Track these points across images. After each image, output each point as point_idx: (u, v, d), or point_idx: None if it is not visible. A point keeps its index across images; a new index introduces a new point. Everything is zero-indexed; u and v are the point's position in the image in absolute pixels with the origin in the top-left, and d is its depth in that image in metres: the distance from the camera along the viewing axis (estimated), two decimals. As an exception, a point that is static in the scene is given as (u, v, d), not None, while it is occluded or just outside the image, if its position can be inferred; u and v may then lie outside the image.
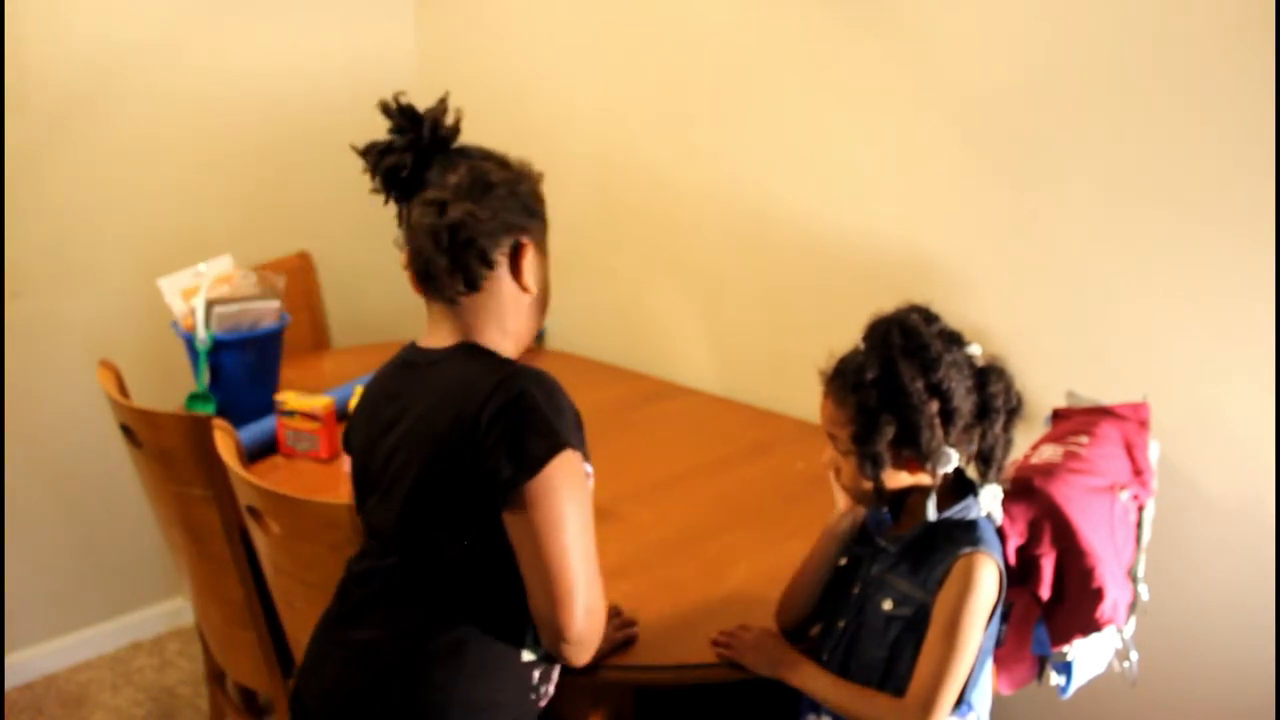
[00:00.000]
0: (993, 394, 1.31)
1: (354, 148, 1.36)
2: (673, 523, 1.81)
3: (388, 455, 1.32)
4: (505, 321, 1.36)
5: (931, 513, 1.34)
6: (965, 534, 1.33)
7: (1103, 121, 1.80)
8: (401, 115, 1.33)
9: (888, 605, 1.37)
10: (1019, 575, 1.46)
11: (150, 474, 2.06)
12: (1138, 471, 1.56)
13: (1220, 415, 1.76)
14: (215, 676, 2.38)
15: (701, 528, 1.80)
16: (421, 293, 1.36)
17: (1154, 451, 1.60)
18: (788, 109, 2.26)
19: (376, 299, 2.94)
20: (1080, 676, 1.54)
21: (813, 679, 1.40)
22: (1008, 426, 1.33)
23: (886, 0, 2.04)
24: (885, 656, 1.37)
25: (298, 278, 2.82)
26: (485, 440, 1.22)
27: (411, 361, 1.36)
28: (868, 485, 1.34)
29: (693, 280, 2.56)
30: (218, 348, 2.21)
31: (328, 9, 2.88)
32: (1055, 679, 1.55)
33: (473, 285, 1.31)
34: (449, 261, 1.29)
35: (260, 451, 2.12)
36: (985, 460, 1.34)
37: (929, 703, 1.30)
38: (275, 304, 2.29)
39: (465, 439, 1.23)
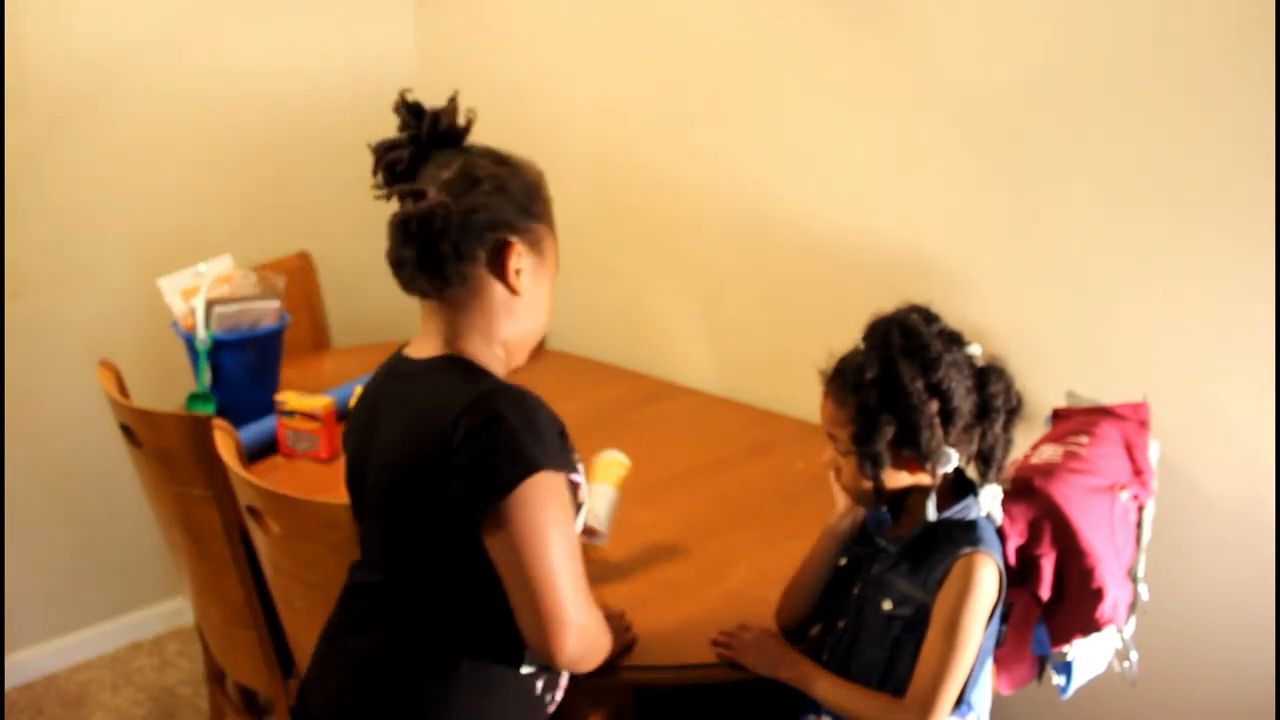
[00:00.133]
0: (993, 394, 1.31)
1: (369, 145, 1.34)
2: (673, 523, 1.81)
3: (372, 470, 1.31)
4: (492, 327, 1.30)
5: (931, 513, 1.34)
6: (965, 534, 1.33)
7: (1103, 121, 1.80)
8: (407, 111, 1.31)
9: (888, 605, 1.37)
10: (1019, 575, 1.46)
11: (150, 474, 2.06)
12: (1138, 471, 1.56)
13: (1220, 415, 1.76)
14: (215, 676, 2.38)
15: (701, 528, 1.80)
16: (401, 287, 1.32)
17: (1154, 451, 1.60)
18: (788, 109, 2.26)
19: (376, 299, 2.92)
20: (1080, 676, 1.54)
21: (813, 679, 1.40)
22: (1008, 426, 1.33)
23: (886, 0, 2.04)
24: (885, 656, 1.37)
25: (298, 278, 2.82)
26: (455, 463, 1.18)
27: (394, 372, 1.34)
28: (868, 485, 1.34)
29: (693, 280, 2.56)
30: (218, 348, 2.21)
31: (328, 9, 2.88)
32: (1055, 679, 1.55)
33: (443, 280, 1.25)
34: (414, 253, 1.24)
35: (260, 451, 2.12)
36: (985, 460, 1.34)
37: (929, 702, 1.30)
38: (275, 304, 2.29)
39: (436, 462, 1.20)
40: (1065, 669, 1.53)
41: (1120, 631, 1.54)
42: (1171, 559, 1.75)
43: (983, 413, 1.32)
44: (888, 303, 1.37)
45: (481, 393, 1.21)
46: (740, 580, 1.65)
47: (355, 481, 1.35)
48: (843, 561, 1.46)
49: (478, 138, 1.34)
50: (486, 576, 1.21)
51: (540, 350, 1.38)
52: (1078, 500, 1.46)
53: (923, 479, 1.34)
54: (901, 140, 2.08)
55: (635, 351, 2.69)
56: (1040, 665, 1.55)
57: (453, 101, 1.31)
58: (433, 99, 1.35)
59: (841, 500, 1.46)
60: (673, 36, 2.44)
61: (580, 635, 1.20)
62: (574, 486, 1.29)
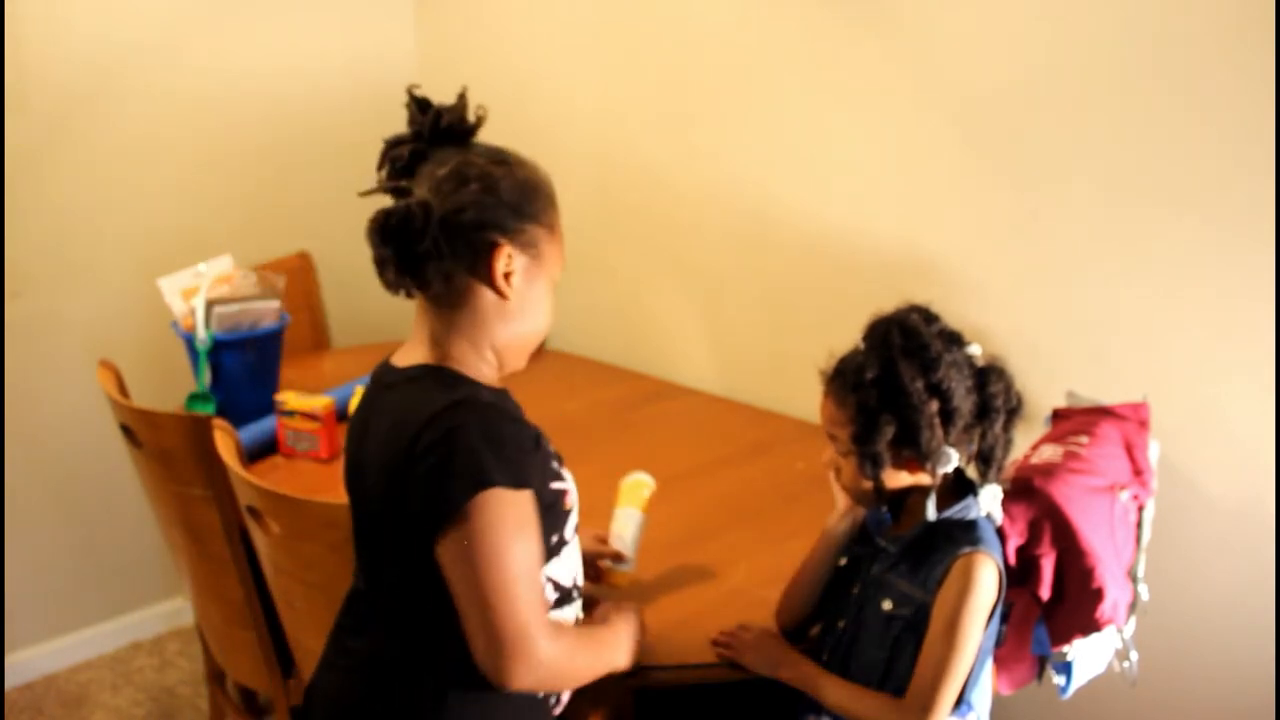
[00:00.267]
0: (993, 394, 1.31)
1: (384, 140, 1.32)
2: (673, 523, 1.81)
3: (357, 481, 1.31)
4: (480, 331, 1.26)
5: (931, 513, 1.34)
6: (965, 534, 1.33)
7: (1102, 121, 1.80)
8: (414, 106, 1.29)
9: (887, 605, 1.37)
10: (1019, 575, 1.46)
11: (150, 474, 2.06)
12: (1138, 471, 1.56)
13: (1220, 415, 1.76)
14: (215, 676, 2.37)
15: (701, 528, 1.80)
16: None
17: (1154, 451, 1.60)
18: (788, 109, 2.26)
19: (376, 299, 2.91)
20: (1080, 676, 1.54)
21: (813, 679, 1.40)
22: (1008, 426, 1.33)
23: (886, 0, 2.04)
24: (885, 656, 1.37)
25: (298, 278, 2.82)
26: (413, 477, 1.17)
27: (380, 381, 1.32)
28: (868, 485, 1.34)
29: (693, 280, 2.56)
30: (218, 348, 2.21)
31: (328, 9, 2.88)
32: (1055, 679, 1.55)
33: (425, 281, 1.23)
34: (393, 253, 1.21)
35: (260, 451, 2.12)
36: (985, 460, 1.34)
37: (929, 702, 1.30)
38: (275, 304, 2.29)
39: (400, 476, 1.18)
40: (1065, 669, 1.53)
41: (1120, 631, 1.54)
42: (1171, 559, 1.75)
43: (983, 413, 1.32)
44: (888, 303, 1.37)
45: (444, 405, 1.18)
46: (740, 580, 1.65)
47: (351, 489, 1.35)
48: (843, 561, 1.46)
49: (479, 136, 1.33)
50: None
51: (540, 350, 1.37)
52: (1078, 500, 1.46)
53: (923, 479, 1.34)
54: (901, 140, 2.08)
55: (635, 351, 2.69)
56: (1040, 665, 1.55)
57: (461, 99, 1.29)
58: (433, 99, 1.35)
59: (841, 500, 1.46)
60: (673, 36, 2.44)
61: (534, 663, 1.16)
62: (559, 494, 1.28)
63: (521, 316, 1.28)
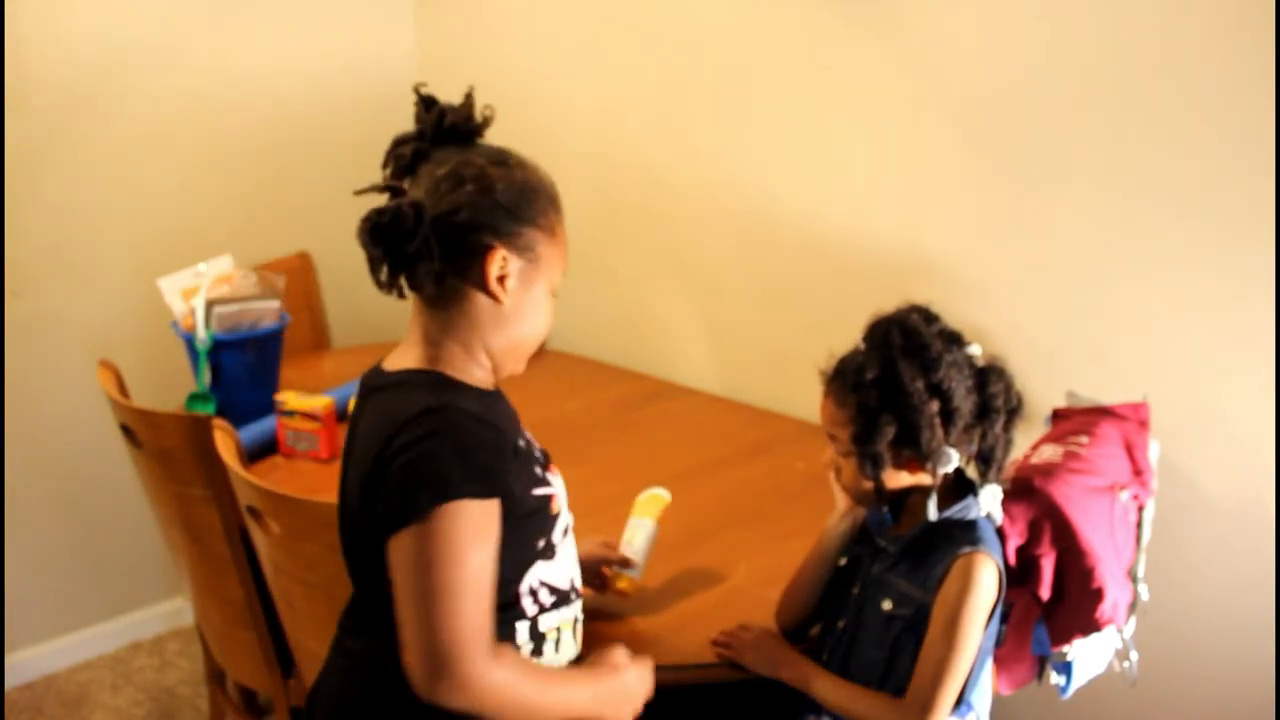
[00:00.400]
0: (993, 394, 1.31)
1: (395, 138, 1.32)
2: (673, 522, 1.81)
3: (342, 485, 1.30)
4: (473, 335, 1.25)
5: (932, 513, 1.34)
6: (965, 534, 1.34)
7: (1103, 121, 1.80)
8: (421, 105, 1.28)
9: (887, 605, 1.37)
10: (1019, 575, 1.46)
11: (150, 474, 2.06)
12: (1138, 471, 1.56)
13: (1220, 415, 1.76)
14: (215, 676, 2.37)
15: (701, 528, 1.80)
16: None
17: (1154, 451, 1.60)
18: (788, 109, 2.26)
19: (376, 299, 2.90)
20: (1080, 676, 1.54)
21: (813, 679, 1.40)
22: (1008, 426, 1.33)
23: (886, 0, 2.04)
24: (885, 656, 1.37)
25: (298, 278, 2.82)
26: (382, 482, 1.16)
27: (367, 385, 1.31)
28: (868, 485, 1.34)
29: (693, 280, 2.56)
30: (218, 348, 2.21)
31: (328, 9, 2.88)
32: (1055, 679, 1.55)
33: (415, 283, 1.21)
34: (383, 253, 1.19)
35: (260, 451, 2.12)
36: (985, 460, 1.34)
37: (929, 702, 1.30)
38: (275, 304, 2.29)
39: (372, 481, 1.18)
40: (1065, 669, 1.53)
41: (1120, 631, 1.54)
42: (1171, 559, 1.75)
43: (983, 413, 1.32)
44: (888, 303, 1.37)
45: (418, 411, 1.16)
46: (740, 580, 1.65)
47: (339, 493, 1.34)
48: (843, 561, 1.46)
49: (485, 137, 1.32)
50: None
51: (540, 350, 1.36)
52: (1078, 500, 1.46)
53: (923, 479, 1.34)
54: (901, 140, 2.08)
55: (635, 351, 2.69)
56: (1040, 665, 1.55)
57: (468, 99, 1.28)
58: (440, 99, 1.34)
59: (841, 500, 1.46)
60: (673, 36, 2.44)
61: (464, 682, 1.13)
62: (544, 500, 1.27)
63: (517, 321, 1.26)
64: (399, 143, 1.28)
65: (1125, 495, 1.53)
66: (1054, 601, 1.47)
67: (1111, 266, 1.83)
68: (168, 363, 2.52)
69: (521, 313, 1.26)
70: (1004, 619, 1.46)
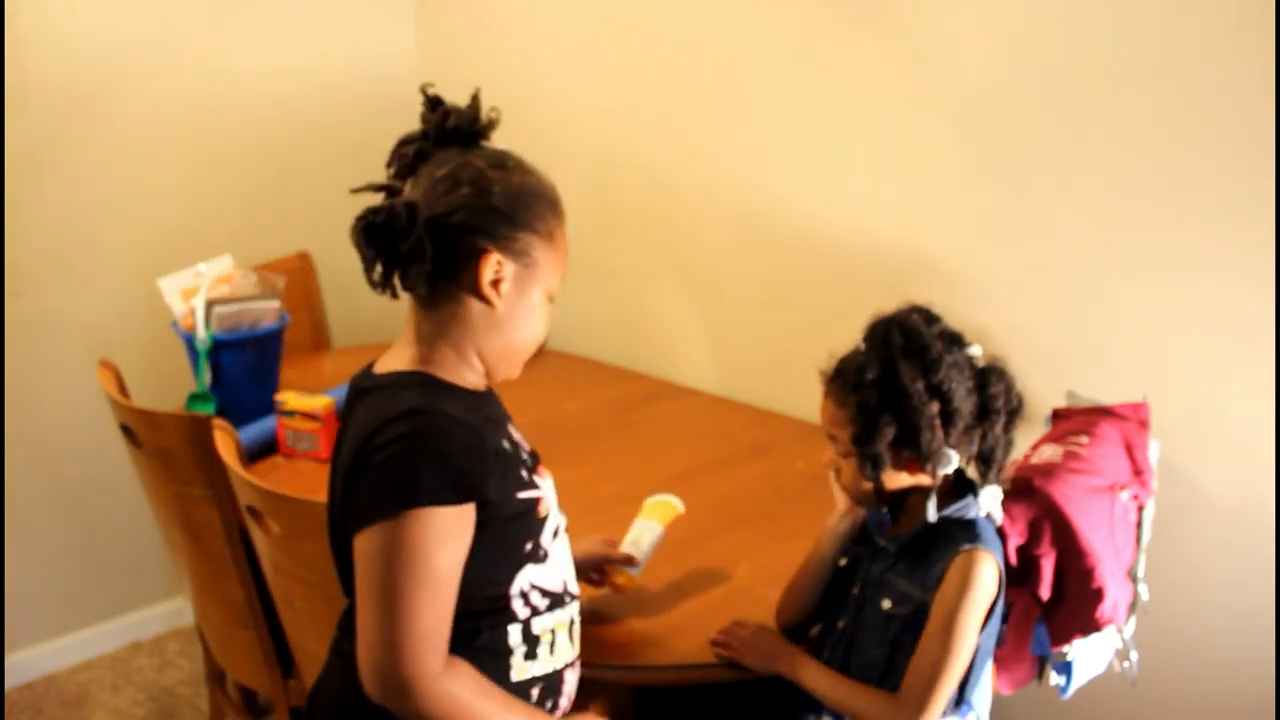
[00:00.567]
0: (993, 395, 1.31)
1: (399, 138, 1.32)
2: (674, 523, 1.81)
3: (330, 487, 1.30)
4: (465, 338, 1.24)
5: (932, 514, 1.34)
6: (964, 532, 1.34)
7: (1103, 121, 1.80)
8: (427, 105, 1.27)
9: (886, 604, 1.37)
10: (1019, 575, 1.46)
11: (150, 474, 2.06)
12: (1138, 471, 1.56)
13: (1220, 415, 1.76)
14: (215, 676, 2.38)
15: (701, 528, 1.80)
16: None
17: (1154, 451, 1.60)
18: (788, 109, 2.26)
19: (376, 299, 2.92)
20: (1080, 676, 1.54)
21: (809, 673, 1.40)
22: (1008, 427, 1.33)
23: (886, 0, 2.04)
24: (885, 655, 1.37)
25: (298, 278, 2.82)
26: (360, 481, 1.16)
27: (356, 387, 1.31)
28: (868, 486, 1.34)
29: (693, 280, 2.56)
30: (218, 348, 2.21)
31: (328, 9, 2.88)
32: (1055, 679, 1.55)
33: (408, 284, 1.21)
34: (375, 253, 1.18)
35: (260, 451, 2.12)
36: (985, 461, 1.34)
37: (924, 699, 1.30)
38: (275, 304, 2.29)
39: (351, 482, 1.18)
40: (1065, 669, 1.53)
41: (1120, 631, 1.54)
42: (1171, 559, 1.75)
43: (983, 414, 1.32)
44: (888, 303, 1.37)
45: (398, 413, 1.16)
46: (741, 580, 1.65)
47: (328, 496, 1.34)
48: (843, 562, 1.46)
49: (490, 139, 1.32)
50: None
51: (540, 350, 1.36)
52: (1078, 500, 1.46)
53: (923, 480, 1.34)
54: (901, 140, 2.08)
55: (635, 351, 2.69)
56: (1040, 665, 1.55)
57: (474, 100, 1.27)
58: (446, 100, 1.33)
59: (841, 500, 1.46)
60: (673, 36, 2.44)
61: (408, 686, 1.13)
62: (531, 503, 1.26)
63: (510, 326, 1.25)
64: (403, 142, 1.28)
65: (1125, 495, 1.53)
66: (1054, 601, 1.47)
67: (1111, 266, 1.83)
68: (168, 363, 2.52)
69: (515, 318, 1.25)
70: (1004, 619, 1.46)
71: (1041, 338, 1.93)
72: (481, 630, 1.23)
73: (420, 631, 1.14)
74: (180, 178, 2.71)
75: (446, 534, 1.15)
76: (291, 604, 1.76)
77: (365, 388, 1.28)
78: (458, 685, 1.17)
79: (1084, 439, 1.58)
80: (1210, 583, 1.81)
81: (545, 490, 1.30)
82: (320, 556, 1.60)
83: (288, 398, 2.11)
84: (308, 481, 2.00)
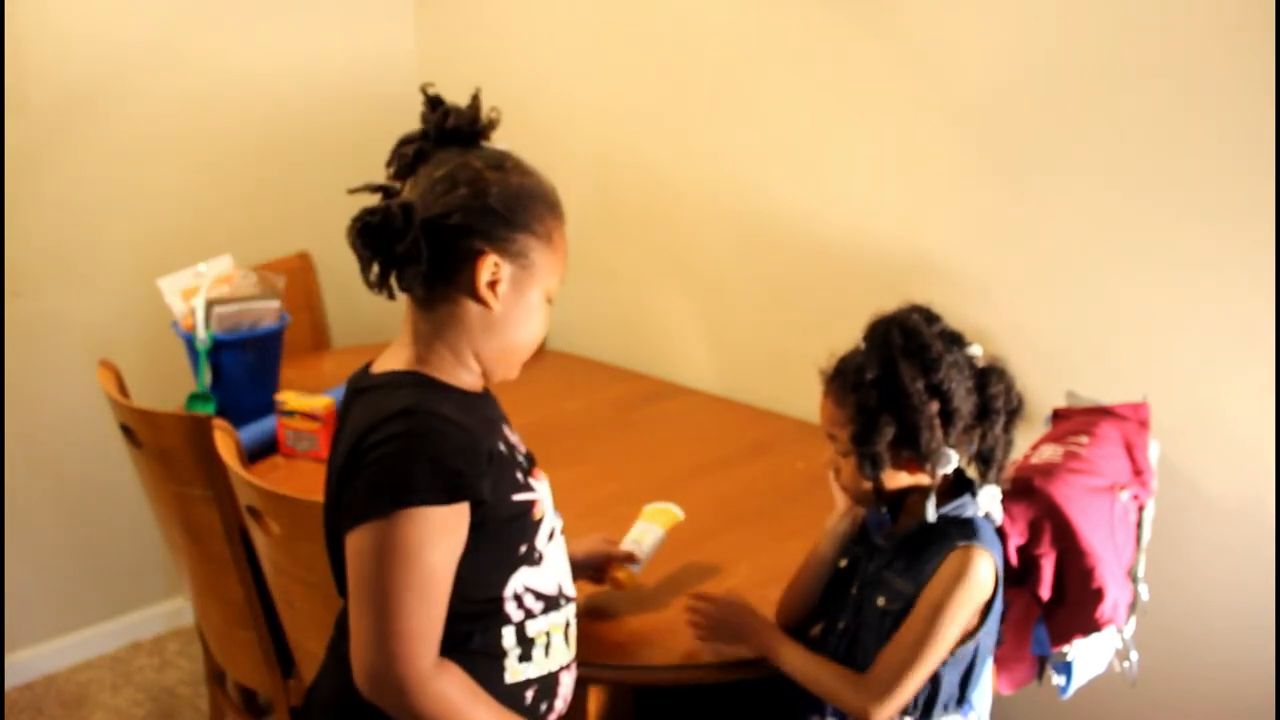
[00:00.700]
0: (993, 395, 1.31)
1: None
2: (673, 528, 1.81)
3: (326, 488, 1.30)
4: (462, 340, 1.24)
5: (931, 514, 1.34)
6: (960, 530, 1.33)
7: (1103, 121, 1.80)
8: (428, 105, 1.27)
9: (881, 601, 1.37)
10: (1019, 575, 1.46)
11: (150, 474, 2.06)
12: (1138, 471, 1.56)
13: (1220, 415, 1.76)
14: (215, 676, 2.38)
15: (702, 528, 1.80)
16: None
17: (1154, 451, 1.60)
18: (788, 109, 2.26)
19: (376, 299, 2.92)
20: (1080, 676, 1.54)
21: (778, 648, 1.40)
22: (1008, 427, 1.33)
23: (886, 0, 2.04)
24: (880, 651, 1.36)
25: (298, 278, 2.82)
26: (355, 476, 1.16)
27: (352, 387, 1.31)
28: (867, 485, 1.34)
29: (693, 280, 2.56)
30: (218, 348, 2.21)
31: (328, 9, 2.88)
32: (1055, 679, 1.55)
33: (404, 285, 1.20)
34: (371, 253, 1.18)
35: (260, 451, 2.12)
36: (985, 461, 1.34)
37: (890, 685, 1.30)
38: (275, 304, 2.29)
39: (345, 482, 1.18)
40: (1065, 669, 1.53)
41: (1120, 631, 1.54)
42: (1171, 559, 1.75)
43: (983, 414, 1.32)
44: (888, 303, 1.37)
45: (391, 413, 1.16)
46: (741, 580, 1.65)
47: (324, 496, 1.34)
48: (843, 563, 1.46)
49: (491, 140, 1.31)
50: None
51: (540, 350, 1.35)
52: (1078, 500, 1.46)
53: (922, 480, 1.34)
54: (901, 140, 2.08)
55: (635, 351, 2.69)
56: (1040, 665, 1.55)
57: (474, 100, 1.27)
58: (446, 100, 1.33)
59: (841, 500, 1.46)
60: (673, 37, 2.44)
61: (401, 684, 1.13)
62: (526, 505, 1.26)
63: (507, 327, 1.25)
64: (403, 142, 1.28)
65: (1125, 495, 1.53)
66: (1054, 601, 1.47)
67: (1111, 266, 1.83)
68: (168, 363, 2.52)
69: (512, 319, 1.25)
70: (1003, 619, 1.46)
71: (1041, 338, 1.93)
72: (475, 633, 1.23)
73: (413, 631, 1.14)
74: (180, 178, 2.71)
75: (439, 534, 1.15)
76: (291, 604, 1.76)
77: (361, 387, 1.28)
78: (450, 686, 1.18)
79: (1084, 439, 1.58)
80: (1210, 583, 1.81)
81: (541, 493, 1.30)
82: (320, 556, 1.60)
83: (288, 398, 2.11)
84: (308, 481, 2.00)
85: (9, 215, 2.48)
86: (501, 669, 1.25)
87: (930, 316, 1.35)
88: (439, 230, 1.19)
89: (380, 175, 1.30)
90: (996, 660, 1.49)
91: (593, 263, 2.69)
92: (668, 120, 2.50)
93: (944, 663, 1.33)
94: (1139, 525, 1.57)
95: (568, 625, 1.34)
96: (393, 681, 1.14)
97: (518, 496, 1.25)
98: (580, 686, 1.42)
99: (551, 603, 1.30)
